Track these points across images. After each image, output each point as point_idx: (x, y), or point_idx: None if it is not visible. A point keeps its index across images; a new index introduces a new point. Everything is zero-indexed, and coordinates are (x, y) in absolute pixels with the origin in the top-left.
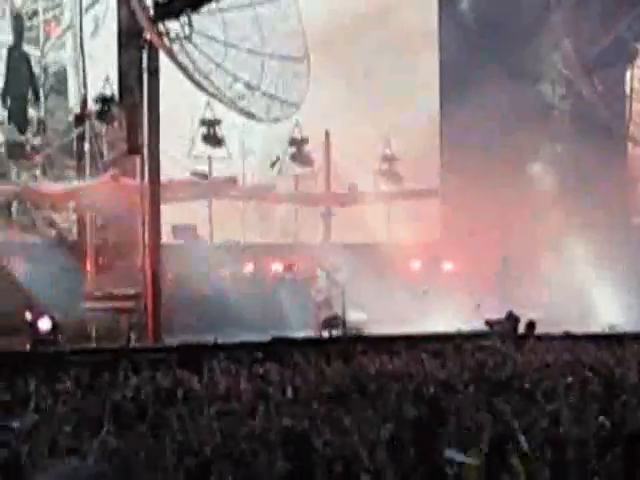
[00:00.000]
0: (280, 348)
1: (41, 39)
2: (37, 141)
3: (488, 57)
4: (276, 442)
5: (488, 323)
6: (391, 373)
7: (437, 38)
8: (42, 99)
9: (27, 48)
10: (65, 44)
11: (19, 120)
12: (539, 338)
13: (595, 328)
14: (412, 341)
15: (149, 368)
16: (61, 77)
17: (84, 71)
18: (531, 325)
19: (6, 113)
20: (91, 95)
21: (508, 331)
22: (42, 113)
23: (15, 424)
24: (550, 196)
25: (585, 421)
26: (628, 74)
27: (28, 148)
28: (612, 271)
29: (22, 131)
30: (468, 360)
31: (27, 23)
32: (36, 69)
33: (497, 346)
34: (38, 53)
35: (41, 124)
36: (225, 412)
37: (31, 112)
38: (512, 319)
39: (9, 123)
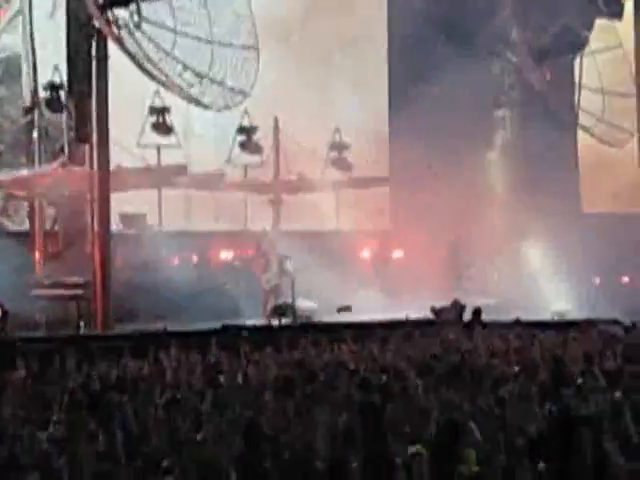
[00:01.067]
0: (230, 336)
1: None
2: None
3: (437, 46)
4: (226, 430)
5: (434, 311)
6: (339, 361)
7: (387, 25)
8: None
9: None
10: (17, 29)
11: None
12: (485, 325)
13: (545, 315)
14: (361, 329)
15: (98, 356)
16: (13, 64)
17: (34, 57)
18: (477, 312)
19: None
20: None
21: (454, 318)
22: None
23: None
24: (501, 183)
25: (532, 408)
26: (577, 62)
27: None
28: (562, 258)
29: None
30: (416, 348)
31: None
32: None
33: (446, 334)
34: None
35: None
36: (174, 401)
37: None
38: (457, 307)
39: None
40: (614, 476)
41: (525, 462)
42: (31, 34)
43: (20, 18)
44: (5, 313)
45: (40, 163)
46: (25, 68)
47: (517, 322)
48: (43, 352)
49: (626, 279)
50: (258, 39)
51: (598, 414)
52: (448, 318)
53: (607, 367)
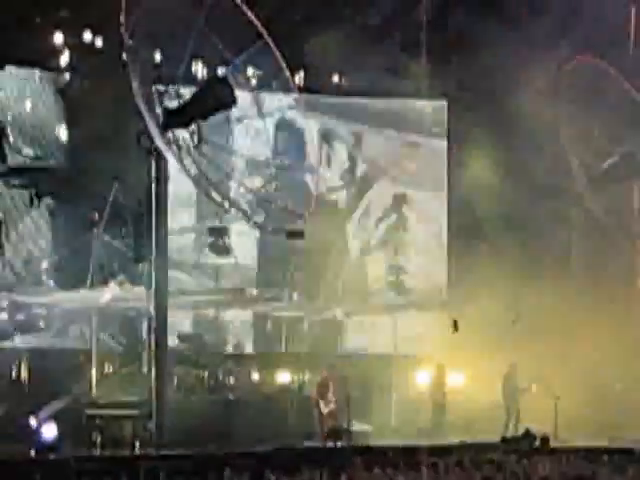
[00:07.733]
0: (284, 458)
1: None
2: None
3: (498, 163)
4: None
5: (505, 440)
6: None
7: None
8: None
9: None
10: None
11: None
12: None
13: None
14: (417, 454)
15: (153, 478)
16: None
17: None
18: (545, 440)
19: None
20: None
21: (525, 449)
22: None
23: None
24: (564, 306)
25: None
26: (637, 188)
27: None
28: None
29: None
30: (474, 475)
31: None
32: None
33: (507, 460)
34: None
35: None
36: None
37: None
38: (529, 437)
39: None
40: None
41: None
42: None
43: None
44: (60, 432)
45: (98, 282)
46: None
47: (583, 449)
48: (98, 472)
49: None
50: (316, 164)
51: None
52: (520, 448)
53: None
